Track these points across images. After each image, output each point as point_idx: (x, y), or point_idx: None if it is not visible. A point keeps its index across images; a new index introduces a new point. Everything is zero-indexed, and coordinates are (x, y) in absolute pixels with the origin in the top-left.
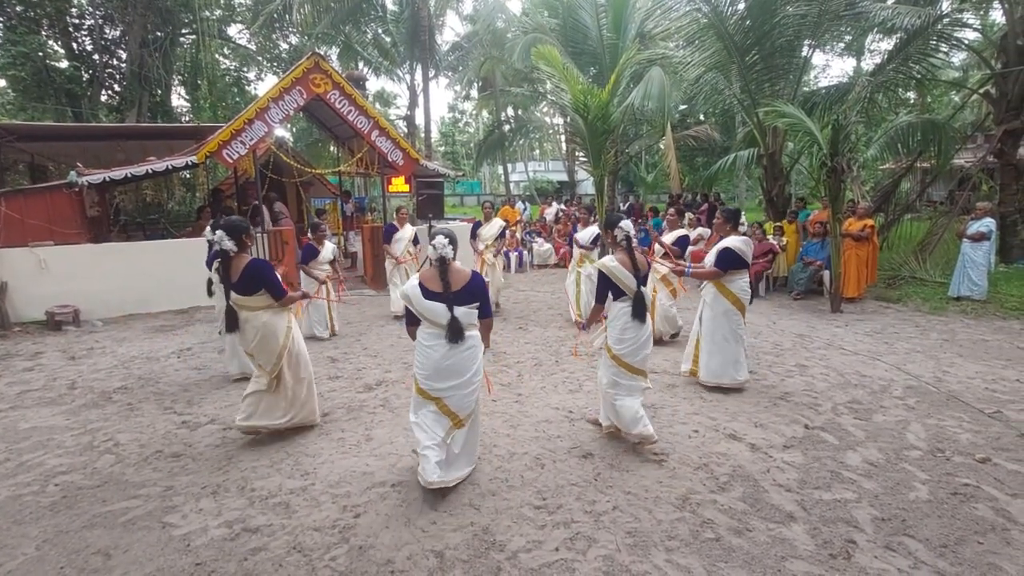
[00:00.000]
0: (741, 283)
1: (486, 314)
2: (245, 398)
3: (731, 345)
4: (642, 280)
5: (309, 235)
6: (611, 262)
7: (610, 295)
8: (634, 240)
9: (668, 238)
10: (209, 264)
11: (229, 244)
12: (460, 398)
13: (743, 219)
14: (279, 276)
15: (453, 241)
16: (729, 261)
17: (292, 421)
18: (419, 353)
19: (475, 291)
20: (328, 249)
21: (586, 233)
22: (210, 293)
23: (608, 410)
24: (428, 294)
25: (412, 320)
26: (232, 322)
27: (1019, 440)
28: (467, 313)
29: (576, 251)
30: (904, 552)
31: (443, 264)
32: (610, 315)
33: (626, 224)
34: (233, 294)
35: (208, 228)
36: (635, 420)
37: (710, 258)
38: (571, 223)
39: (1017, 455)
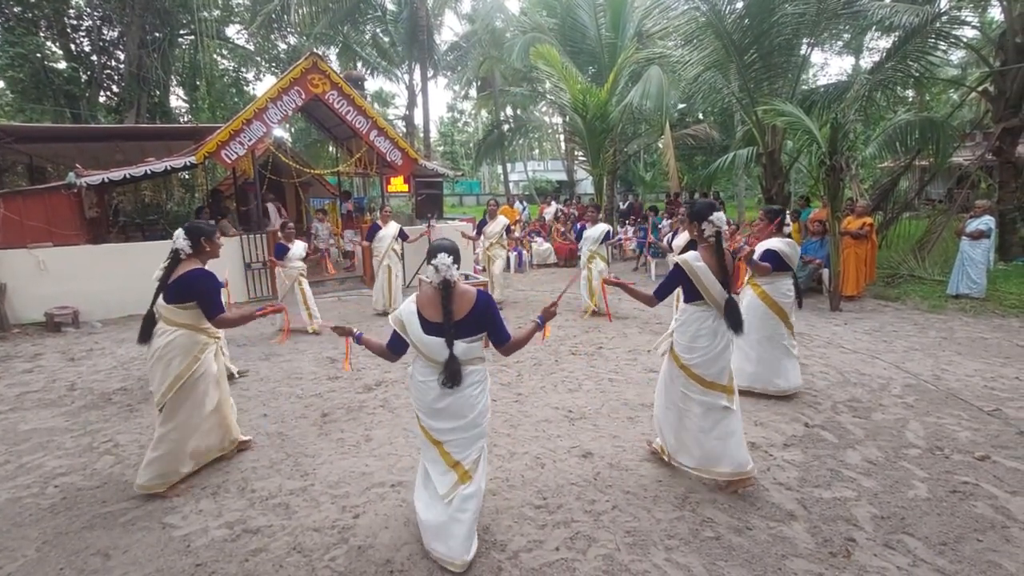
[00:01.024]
0: (782, 287)
1: (503, 339)
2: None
3: (768, 349)
4: (729, 284)
5: (279, 233)
6: (696, 261)
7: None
8: (725, 238)
9: (682, 237)
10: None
11: (183, 243)
12: (462, 442)
13: (787, 219)
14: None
15: (457, 258)
16: (774, 264)
17: (143, 480)
18: (413, 387)
19: (481, 319)
20: (299, 247)
21: (595, 231)
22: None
23: (666, 430)
24: (426, 326)
25: (397, 346)
26: (145, 330)
27: (1018, 438)
28: (469, 349)
29: (585, 250)
30: (904, 550)
31: (447, 289)
32: (679, 318)
33: (719, 218)
34: (159, 300)
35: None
36: (725, 454)
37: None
38: (571, 222)
39: (1016, 453)
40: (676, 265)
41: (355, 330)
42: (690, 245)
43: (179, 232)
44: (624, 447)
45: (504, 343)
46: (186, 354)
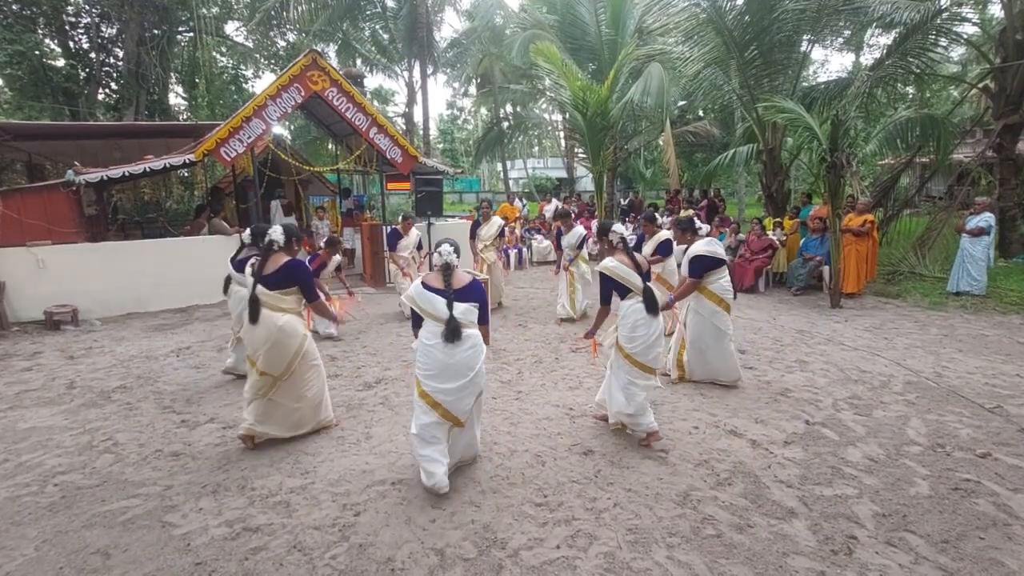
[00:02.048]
0: (722, 282)
1: (483, 320)
2: (251, 403)
3: (721, 343)
4: (646, 276)
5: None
6: (611, 263)
7: (615, 296)
8: (629, 241)
9: (650, 245)
10: (235, 262)
11: (279, 237)
12: (460, 401)
13: (697, 224)
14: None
15: (458, 250)
16: (703, 266)
17: (295, 431)
18: (421, 352)
19: (474, 292)
20: (333, 261)
21: (572, 235)
22: (226, 290)
23: (617, 402)
24: (429, 289)
25: (417, 321)
26: (255, 313)
27: (1020, 435)
28: (467, 310)
29: (565, 254)
30: (905, 548)
31: (447, 269)
32: (620, 313)
33: (618, 227)
34: (260, 287)
35: (246, 231)
36: (644, 410)
37: (683, 270)
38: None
39: (1018, 450)
40: (601, 273)
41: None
42: (661, 248)
43: (276, 228)
44: (625, 445)
45: (484, 324)
46: (297, 332)
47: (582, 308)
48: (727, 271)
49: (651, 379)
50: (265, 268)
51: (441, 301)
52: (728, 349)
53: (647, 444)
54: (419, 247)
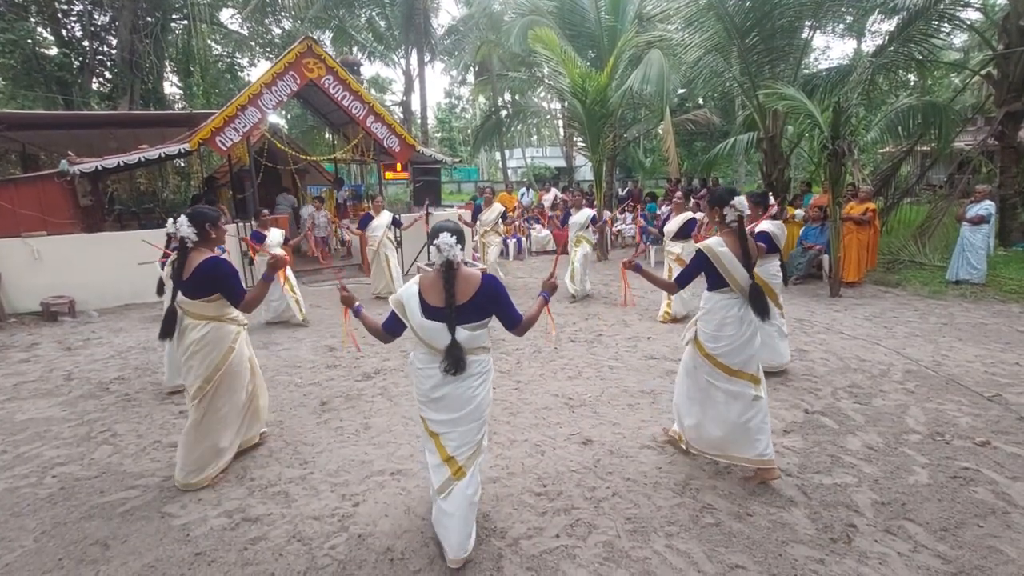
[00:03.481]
0: (771, 267)
1: (515, 321)
2: (181, 448)
3: (766, 329)
4: (751, 268)
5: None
6: (719, 246)
7: (700, 282)
8: (746, 222)
9: (675, 222)
10: (164, 262)
11: (188, 231)
12: (458, 437)
13: (771, 201)
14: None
15: (460, 238)
16: (768, 244)
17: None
18: (413, 375)
19: (486, 303)
20: (275, 234)
21: (580, 216)
22: (160, 291)
23: (686, 418)
24: (427, 311)
25: (393, 328)
26: (168, 326)
27: (1018, 423)
28: (472, 337)
29: (572, 233)
30: (904, 536)
31: (450, 270)
32: (704, 306)
33: (740, 202)
34: (180, 295)
35: (170, 220)
36: (747, 437)
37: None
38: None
39: (1016, 438)
40: (699, 251)
41: (357, 302)
42: (686, 227)
43: (181, 219)
44: (624, 434)
45: (516, 324)
46: (221, 346)
47: (584, 289)
48: (779, 258)
49: (740, 383)
50: (184, 271)
51: (439, 328)
52: (771, 334)
53: (757, 481)
54: (397, 224)
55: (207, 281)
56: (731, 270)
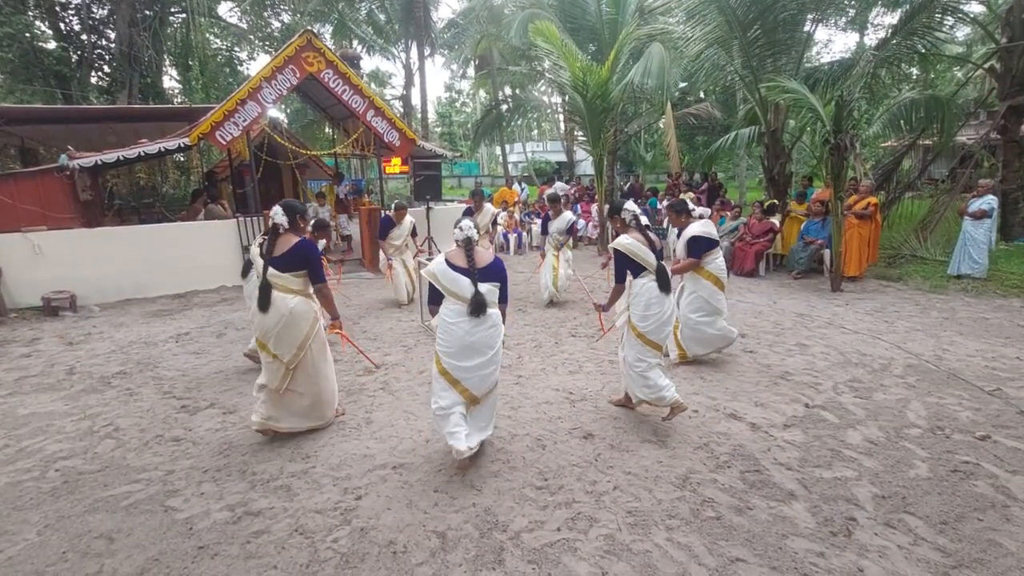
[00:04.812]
0: (717, 262)
1: (503, 299)
2: (260, 394)
3: (717, 320)
4: (658, 255)
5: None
6: (627, 240)
7: (628, 274)
8: (642, 219)
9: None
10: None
11: (282, 219)
12: (480, 379)
13: (691, 206)
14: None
15: (477, 226)
16: (701, 247)
17: (314, 423)
18: (442, 330)
19: (497, 271)
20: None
21: (561, 220)
22: (245, 273)
23: (636, 385)
24: (455, 269)
25: (435, 298)
26: (265, 299)
27: (1019, 417)
28: (490, 290)
29: (551, 239)
30: (904, 529)
31: (469, 244)
32: (632, 292)
33: (630, 205)
34: (271, 269)
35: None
36: (666, 387)
37: (680, 252)
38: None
39: (1017, 432)
40: (615, 251)
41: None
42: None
43: (277, 209)
44: (625, 428)
45: (504, 303)
46: (308, 315)
47: (564, 285)
48: (719, 251)
49: (659, 356)
50: (274, 250)
51: (465, 280)
52: (720, 323)
53: (670, 417)
54: (413, 233)
55: (300, 258)
56: (643, 255)
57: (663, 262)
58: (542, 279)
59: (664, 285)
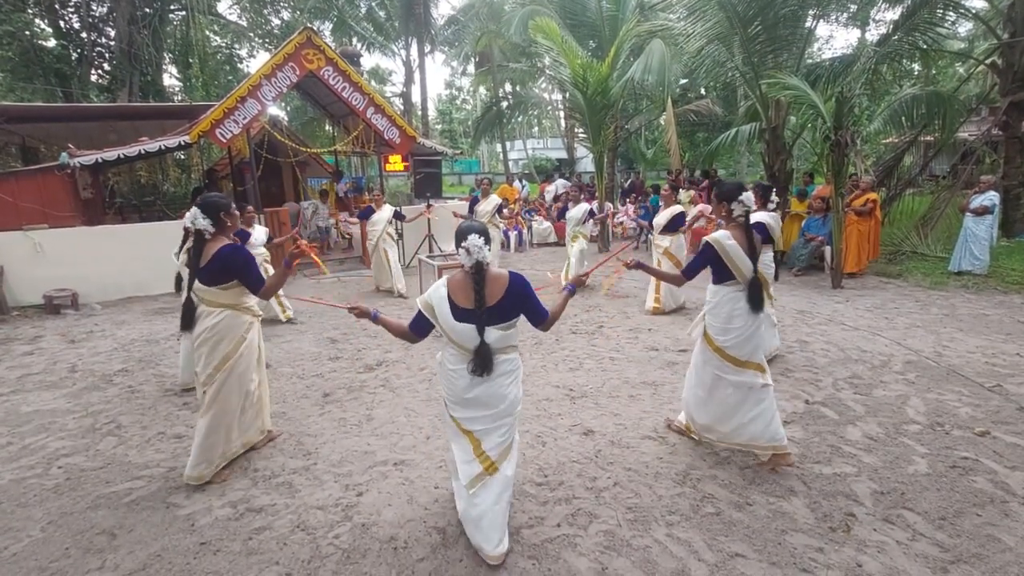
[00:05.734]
0: (766, 258)
1: (542, 317)
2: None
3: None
4: (755, 259)
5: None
6: (726, 239)
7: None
8: (758, 216)
9: (664, 215)
10: (180, 254)
11: (203, 223)
12: (491, 433)
13: (773, 196)
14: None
15: (487, 239)
16: (762, 235)
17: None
18: (443, 376)
19: (515, 303)
20: (259, 232)
21: (577, 211)
22: (178, 288)
23: (695, 410)
24: (457, 312)
25: (421, 328)
26: (187, 318)
27: (1018, 413)
28: (502, 337)
29: (569, 228)
30: (903, 525)
31: (479, 272)
32: (710, 299)
33: (748, 197)
34: (196, 283)
35: (187, 213)
36: (759, 424)
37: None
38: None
39: (1016, 428)
40: (707, 244)
41: (371, 310)
42: (675, 221)
43: (195, 211)
44: (625, 425)
45: (543, 320)
46: (233, 334)
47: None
48: (772, 249)
49: (745, 373)
50: (200, 260)
51: (470, 329)
52: (769, 322)
53: (771, 467)
54: (400, 217)
55: (225, 268)
56: (739, 263)
57: (759, 270)
58: (561, 271)
59: (755, 302)
